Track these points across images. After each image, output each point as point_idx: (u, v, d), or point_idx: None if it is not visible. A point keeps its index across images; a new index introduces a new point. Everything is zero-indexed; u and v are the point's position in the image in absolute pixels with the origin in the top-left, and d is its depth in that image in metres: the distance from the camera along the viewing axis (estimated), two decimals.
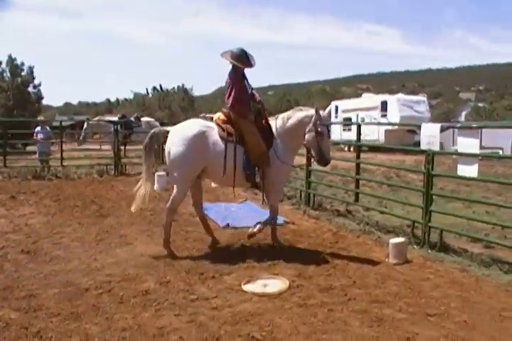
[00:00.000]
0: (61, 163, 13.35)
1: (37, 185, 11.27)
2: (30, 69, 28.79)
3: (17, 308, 4.00)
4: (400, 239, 5.63)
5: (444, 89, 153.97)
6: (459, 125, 6.89)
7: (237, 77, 5.75)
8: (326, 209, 8.48)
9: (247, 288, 4.52)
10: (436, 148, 6.12)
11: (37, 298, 4.25)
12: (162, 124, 16.15)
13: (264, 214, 7.51)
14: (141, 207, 6.10)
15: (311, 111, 5.55)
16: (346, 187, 9.57)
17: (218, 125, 5.72)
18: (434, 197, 8.21)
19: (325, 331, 3.66)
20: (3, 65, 28.24)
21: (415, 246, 6.13)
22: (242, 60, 5.69)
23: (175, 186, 5.80)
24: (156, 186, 10.50)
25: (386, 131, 26.88)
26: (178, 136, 5.62)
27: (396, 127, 25.91)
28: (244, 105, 5.69)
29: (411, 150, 11.84)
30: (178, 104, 48.84)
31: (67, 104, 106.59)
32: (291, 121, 5.67)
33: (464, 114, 52.92)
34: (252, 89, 5.97)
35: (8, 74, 28.34)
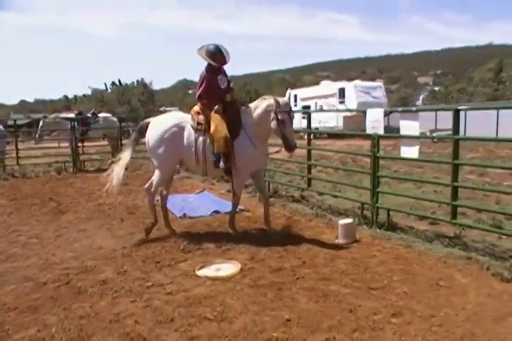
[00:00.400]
0: (17, 161, 13.20)
1: None
2: None
3: None
4: (348, 220, 5.91)
5: (403, 74, 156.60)
6: (400, 109, 7.18)
7: (209, 72, 6.01)
8: (282, 196, 8.72)
9: (201, 272, 4.72)
10: (381, 131, 6.41)
11: None
12: (121, 120, 16.06)
13: (220, 203, 7.77)
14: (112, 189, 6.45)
15: (272, 100, 5.70)
16: (301, 174, 9.82)
17: (192, 116, 6.04)
18: (385, 179, 8.64)
19: (273, 308, 3.89)
20: None
21: (365, 227, 6.42)
22: (216, 57, 5.94)
23: (155, 172, 6.18)
24: (114, 181, 10.57)
25: (345, 118, 27.39)
26: (156, 129, 6.07)
27: (354, 113, 26.42)
28: (211, 97, 5.95)
29: (357, 134, 12.13)
30: (137, 98, 48.29)
31: (23, 102, 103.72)
32: (257, 111, 5.83)
33: (421, 97, 54.16)
34: (229, 82, 6.21)
35: None
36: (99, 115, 14.70)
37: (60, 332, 3.53)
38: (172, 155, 6.01)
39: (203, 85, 6.00)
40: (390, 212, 6.41)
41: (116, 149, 14.09)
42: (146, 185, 6.31)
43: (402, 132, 6.04)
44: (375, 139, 6.40)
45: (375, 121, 6.50)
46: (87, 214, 7.62)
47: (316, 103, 30.82)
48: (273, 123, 5.65)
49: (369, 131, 6.63)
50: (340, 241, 5.76)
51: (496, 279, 4.48)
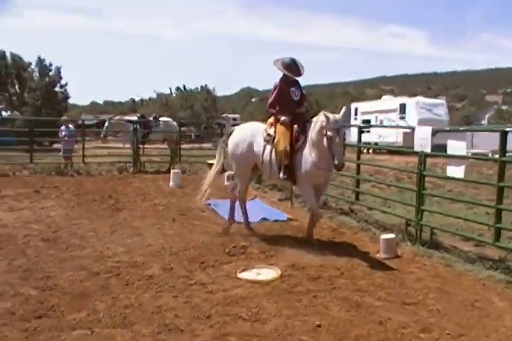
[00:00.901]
0: (83, 160, 13.99)
1: (59, 180, 11.90)
2: (58, 70, 29.81)
3: (35, 287, 4.53)
4: (390, 235, 6.00)
5: (470, 92, 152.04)
6: (448, 128, 7.21)
7: (283, 83, 6.31)
8: (331, 208, 8.85)
9: (242, 275, 4.96)
10: (428, 149, 6.46)
11: (53, 279, 4.77)
12: (181, 124, 16.66)
13: (269, 211, 7.98)
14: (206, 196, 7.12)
15: (323, 116, 5.65)
16: (352, 188, 9.89)
17: (266, 127, 6.42)
18: (436, 198, 8.59)
19: (305, 314, 4.07)
20: (33, 66, 29.28)
21: (408, 243, 6.46)
22: (291, 69, 6.24)
23: (237, 179, 6.83)
24: (171, 183, 11.08)
25: (404, 134, 27.02)
26: (234, 136, 6.67)
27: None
28: (281, 107, 6.24)
29: (405, 152, 12.01)
30: (200, 104, 49.41)
31: (93, 103, 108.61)
32: (315, 126, 5.84)
33: (487, 116, 52.47)
34: (302, 95, 6.43)
35: (38, 75, 29.35)
36: (161, 119, 15.31)
37: (106, 318, 3.86)
38: (245, 161, 6.51)
39: (274, 95, 6.31)
40: (435, 231, 6.44)
41: (175, 152, 14.68)
42: (236, 195, 6.86)
43: (449, 152, 6.08)
44: (422, 157, 6.44)
45: (423, 139, 6.55)
46: (142, 213, 8.05)
47: (376, 117, 30.58)
48: (324, 139, 5.61)
49: (417, 148, 6.68)
50: (381, 255, 5.85)
51: None
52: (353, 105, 33.68)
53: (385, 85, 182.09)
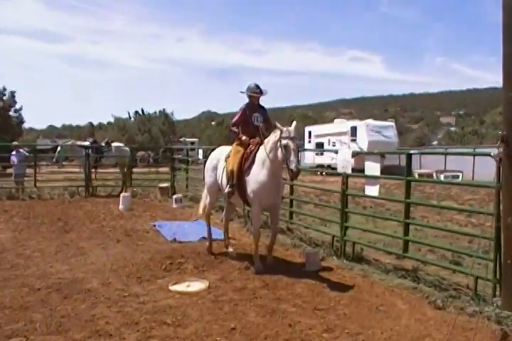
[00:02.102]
0: (35, 184, 14.15)
1: (10, 204, 12.08)
2: (12, 94, 29.79)
3: None
4: (314, 250, 6.58)
5: (426, 114, 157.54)
6: (365, 151, 7.99)
7: (246, 108, 6.89)
8: (269, 227, 9.37)
9: (173, 287, 5.42)
10: (349, 171, 7.13)
11: None
12: (138, 149, 17.01)
13: (214, 232, 8.43)
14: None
15: (277, 130, 6.00)
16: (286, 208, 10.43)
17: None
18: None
19: (224, 319, 4.56)
20: None
21: (334, 257, 7.05)
22: (253, 90, 6.82)
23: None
24: (121, 206, 11.45)
25: (355, 157, 28.10)
26: (208, 160, 7.43)
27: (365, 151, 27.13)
28: (242, 129, 6.78)
29: (331, 173, 12.68)
30: (158, 128, 49.74)
31: (51, 127, 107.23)
32: (269, 143, 6.19)
33: (438, 138, 54.72)
34: (266, 121, 6.91)
35: None
36: (112, 144, 15.67)
37: (42, 326, 4.26)
38: (211, 182, 7.18)
39: (238, 116, 6.87)
40: (363, 246, 7.07)
41: (128, 177, 15.04)
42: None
43: (366, 172, 6.76)
44: (344, 177, 7.10)
45: (344, 161, 7.21)
46: (88, 234, 8.41)
47: (329, 140, 31.64)
48: (279, 151, 5.91)
49: (339, 170, 7.33)
50: (306, 268, 6.40)
51: (431, 307, 5.05)
52: (307, 128, 34.73)
53: (344, 108, 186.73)
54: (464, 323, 4.54)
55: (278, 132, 5.98)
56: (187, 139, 52.40)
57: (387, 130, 29.77)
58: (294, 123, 6.23)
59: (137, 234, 8.49)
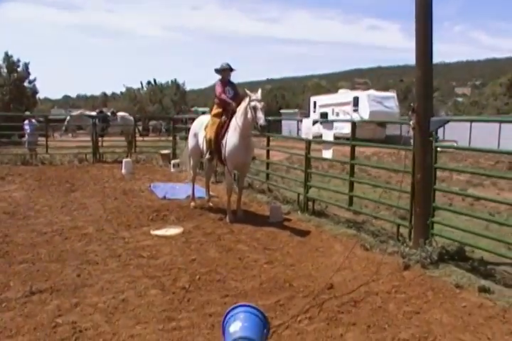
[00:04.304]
0: (46, 150, 15.44)
1: (24, 169, 13.42)
2: (26, 66, 30.88)
3: None
4: (278, 204, 7.72)
5: (441, 85, 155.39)
6: (321, 120, 9.10)
7: (219, 83, 7.92)
8: (254, 188, 10.53)
9: (154, 232, 6.64)
10: (310, 137, 8.16)
11: (9, 237, 6.36)
12: (150, 118, 18.06)
13: (197, 190, 9.60)
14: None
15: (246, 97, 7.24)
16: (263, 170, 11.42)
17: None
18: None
19: (189, 254, 5.77)
20: (0, 62, 30.32)
21: (299, 212, 8.18)
22: (225, 67, 7.91)
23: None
24: (123, 170, 12.67)
25: (358, 125, 28.93)
26: (191, 129, 8.74)
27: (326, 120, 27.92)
28: (216, 103, 7.93)
29: (295, 138, 13.27)
30: (170, 98, 50.56)
31: (66, 97, 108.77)
32: (240, 109, 7.31)
33: (445, 108, 55.01)
34: (236, 94, 7.93)
35: (5, 70, 30.41)
36: (118, 114, 16.82)
37: (45, 257, 5.51)
38: (194, 148, 8.46)
39: (219, 88, 7.88)
40: (327, 203, 8.20)
41: (131, 144, 16.24)
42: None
43: (324, 138, 7.82)
44: (307, 143, 8.15)
45: (306, 129, 8.23)
46: (91, 193, 9.66)
47: (333, 110, 32.42)
48: (249, 113, 7.06)
49: (303, 136, 8.36)
50: (270, 220, 7.57)
51: (361, 249, 6.17)
52: (312, 99, 35.51)
53: (359, 78, 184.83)
54: (381, 259, 5.66)
55: (247, 97, 7.15)
56: (199, 108, 53.24)
57: (389, 100, 30.39)
58: (260, 90, 7.34)
59: (133, 193, 9.72)
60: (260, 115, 6.92)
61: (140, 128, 33.43)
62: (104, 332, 3.73)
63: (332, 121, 8.04)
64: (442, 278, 5.10)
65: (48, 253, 5.64)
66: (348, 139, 25.01)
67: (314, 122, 8.17)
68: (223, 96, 7.83)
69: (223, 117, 7.70)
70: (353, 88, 51.41)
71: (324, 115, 32.88)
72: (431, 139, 5.58)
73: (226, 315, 3.38)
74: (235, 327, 3.24)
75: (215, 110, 7.88)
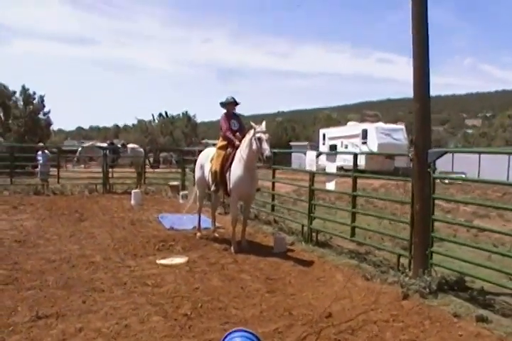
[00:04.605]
0: (58, 181, 15.77)
1: (36, 199, 13.72)
2: (41, 98, 31.76)
3: (5, 269, 6.30)
4: (282, 235, 7.86)
5: (452, 116, 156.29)
6: (326, 151, 9.32)
7: (224, 116, 8.23)
8: (260, 220, 10.68)
9: (159, 261, 6.78)
10: (314, 169, 8.35)
11: (19, 264, 6.54)
12: (161, 150, 18.46)
13: (203, 220, 9.77)
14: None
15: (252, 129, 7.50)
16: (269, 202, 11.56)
17: None
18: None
19: (192, 283, 5.90)
20: (17, 95, 31.23)
21: (303, 243, 8.30)
22: (229, 101, 8.24)
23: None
24: (132, 201, 12.89)
25: (367, 157, 29.16)
26: (197, 161, 9.05)
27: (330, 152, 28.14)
28: (231, 134, 8.09)
29: (299, 170, 13.36)
30: (181, 130, 51.37)
31: (79, 129, 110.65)
32: (245, 141, 7.54)
33: (454, 140, 55.18)
34: (240, 126, 8.25)
35: (22, 103, 31.29)
36: (128, 146, 17.20)
37: (53, 284, 5.67)
38: (200, 180, 8.71)
39: (224, 124, 8.18)
40: (328, 233, 8.32)
41: (140, 175, 16.54)
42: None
43: (327, 170, 8.01)
44: (311, 174, 8.34)
45: (311, 161, 8.43)
46: (99, 223, 9.86)
47: (342, 142, 32.76)
48: (254, 144, 7.27)
49: (307, 168, 8.55)
50: (275, 250, 7.69)
51: (362, 279, 6.25)
52: (321, 131, 35.92)
53: (369, 110, 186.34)
54: (380, 289, 5.76)
55: (252, 129, 7.38)
56: (209, 141, 53.90)
57: (397, 133, 30.67)
58: (264, 122, 7.58)
59: (141, 224, 9.91)
60: (265, 146, 7.14)
61: (151, 160, 34.01)
62: None
63: (335, 154, 8.24)
64: (440, 307, 5.17)
65: (55, 280, 5.80)
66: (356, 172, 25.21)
67: (318, 154, 8.37)
68: (228, 133, 8.07)
69: (228, 149, 7.93)
70: (362, 120, 51.94)
71: (333, 147, 33.19)
72: (429, 170, 5.74)
73: (224, 339, 3.51)
74: None
75: (221, 143, 8.14)
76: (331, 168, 7.91)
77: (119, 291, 5.50)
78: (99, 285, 5.67)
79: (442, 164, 28.80)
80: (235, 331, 3.55)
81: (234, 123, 8.19)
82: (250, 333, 3.54)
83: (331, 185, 7.89)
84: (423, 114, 5.83)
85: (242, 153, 7.56)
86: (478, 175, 26.44)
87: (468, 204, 13.20)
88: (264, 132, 7.30)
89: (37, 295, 5.29)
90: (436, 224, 9.35)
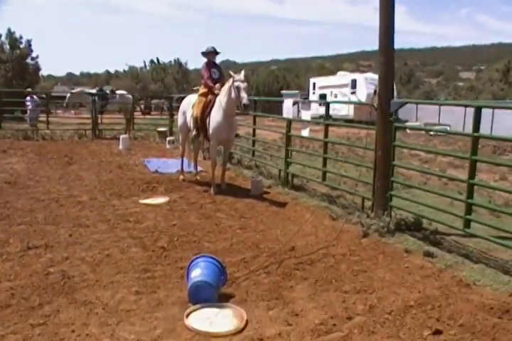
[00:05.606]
0: (47, 126, 16.05)
1: (25, 143, 14.07)
2: (28, 43, 31.24)
3: None
4: (258, 178, 8.34)
5: (446, 68, 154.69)
6: (301, 100, 9.69)
7: (205, 65, 8.53)
8: (242, 165, 11.11)
9: (142, 201, 7.27)
10: (291, 116, 8.69)
11: (10, 203, 6.99)
12: (152, 97, 18.60)
13: (187, 164, 10.17)
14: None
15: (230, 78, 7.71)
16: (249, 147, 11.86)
17: None
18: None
19: (171, 220, 6.40)
20: (3, 38, 30.75)
21: (280, 186, 8.78)
22: (210, 50, 8.52)
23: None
24: (120, 146, 13.27)
25: (355, 107, 29.39)
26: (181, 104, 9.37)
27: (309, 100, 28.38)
28: (203, 83, 8.48)
29: (274, 117, 13.49)
30: (172, 76, 50.90)
31: (70, 74, 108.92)
32: (225, 89, 7.83)
33: (444, 92, 55.24)
34: (220, 75, 8.54)
35: (8, 47, 30.84)
36: (117, 92, 17.36)
37: (42, 220, 6.16)
38: (183, 126, 9.06)
39: (205, 72, 8.45)
40: (302, 178, 8.80)
41: (129, 121, 16.82)
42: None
43: (302, 118, 8.38)
44: (288, 122, 8.70)
45: (287, 108, 8.75)
46: (88, 166, 10.29)
47: (331, 92, 32.84)
48: (233, 92, 7.58)
49: (285, 115, 8.88)
50: (252, 193, 8.17)
51: (329, 219, 6.77)
52: (312, 80, 35.88)
53: (364, 60, 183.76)
54: (345, 228, 6.27)
55: (231, 79, 7.68)
56: (200, 88, 53.43)
57: None
58: (243, 71, 7.88)
59: (128, 167, 10.34)
60: (243, 95, 7.48)
61: (142, 106, 34.00)
62: (89, 279, 4.37)
63: (309, 102, 8.57)
64: (395, 245, 5.70)
65: (44, 217, 6.28)
66: (346, 121, 25.65)
67: (294, 103, 8.69)
68: (208, 81, 8.35)
69: (209, 96, 8.24)
70: (357, 70, 51.54)
71: (323, 96, 33.29)
72: (391, 119, 6.13)
73: (190, 264, 4.02)
74: (196, 273, 3.88)
75: (202, 90, 8.44)
76: (306, 115, 8.25)
77: (103, 227, 6.00)
78: (84, 222, 6.16)
79: (429, 116, 29.21)
80: (199, 257, 4.05)
81: (214, 71, 8.46)
82: (213, 258, 4.04)
83: (305, 132, 8.27)
84: (387, 67, 6.15)
85: (221, 100, 7.88)
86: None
87: (437, 154, 13.53)
88: (242, 81, 7.61)
89: (27, 229, 5.78)
90: (411, 172, 9.97)
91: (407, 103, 6.17)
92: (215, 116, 7.96)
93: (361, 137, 20.59)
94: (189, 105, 8.72)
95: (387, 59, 6.15)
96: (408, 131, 24.00)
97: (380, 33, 6.14)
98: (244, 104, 7.49)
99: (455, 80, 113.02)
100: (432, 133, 22.74)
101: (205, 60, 8.52)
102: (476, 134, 5.30)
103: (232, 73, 7.70)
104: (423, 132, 23.76)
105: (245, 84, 7.63)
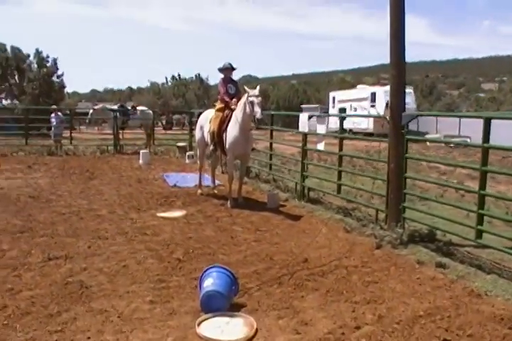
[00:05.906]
0: (70, 142, 16.48)
1: (49, 159, 14.50)
2: (54, 61, 32.28)
3: (21, 220, 7.00)
4: (274, 192, 8.45)
5: (468, 80, 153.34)
6: (317, 113, 9.78)
7: (222, 81, 8.75)
8: (260, 178, 11.25)
9: (160, 214, 7.44)
10: (306, 130, 8.81)
11: (33, 216, 7.23)
12: (174, 112, 18.98)
13: (205, 179, 10.36)
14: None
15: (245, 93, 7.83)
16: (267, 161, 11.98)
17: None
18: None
19: (187, 232, 6.54)
20: (31, 58, 31.79)
21: (296, 199, 8.88)
22: (227, 66, 8.73)
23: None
24: (140, 161, 13.54)
25: (375, 121, 29.36)
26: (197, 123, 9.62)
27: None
28: (220, 99, 8.73)
29: (290, 131, 13.69)
30: (194, 92, 51.59)
31: (93, 91, 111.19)
32: (240, 104, 8.04)
33: (466, 104, 54.80)
34: (237, 91, 8.73)
35: (36, 66, 31.87)
36: (138, 108, 17.75)
37: (62, 233, 6.36)
38: (200, 141, 9.30)
39: (221, 88, 8.71)
40: (318, 191, 8.89)
41: (150, 137, 17.15)
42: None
43: (318, 131, 8.49)
44: (303, 135, 8.82)
45: (303, 123, 8.88)
46: (108, 181, 10.54)
47: (351, 105, 32.85)
48: (247, 107, 7.74)
49: (300, 129, 9.00)
50: (268, 206, 8.28)
51: (343, 231, 6.84)
52: (331, 94, 36.00)
53: (384, 73, 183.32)
54: (358, 240, 6.34)
55: (246, 94, 7.85)
56: None
57: (406, 96, 30.59)
58: (258, 86, 8.05)
59: (147, 181, 10.56)
60: (257, 109, 7.63)
61: (163, 121, 34.53)
62: (105, 288, 4.52)
63: (325, 116, 8.69)
64: (408, 256, 5.75)
65: (64, 230, 6.49)
66: (366, 134, 25.62)
67: (310, 117, 8.82)
68: (225, 97, 8.57)
69: (226, 111, 8.43)
70: (378, 83, 51.50)
71: (343, 110, 32.92)
72: (402, 132, 6.21)
73: (202, 274, 4.14)
74: (208, 282, 4.00)
75: (219, 105, 8.64)
76: (321, 129, 8.37)
77: (121, 239, 6.17)
78: (103, 234, 6.34)
79: (449, 128, 28.97)
80: (212, 267, 4.18)
81: (231, 87, 8.66)
82: (225, 269, 4.15)
83: (320, 146, 8.38)
84: (398, 80, 6.26)
85: (237, 115, 8.06)
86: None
87: (455, 167, 13.46)
88: (256, 96, 7.77)
89: (48, 241, 5.98)
90: (428, 185, 9.95)
91: (418, 115, 6.24)
92: (232, 131, 8.13)
93: (380, 150, 20.64)
94: (206, 120, 8.92)
95: (398, 72, 6.26)
96: (428, 143, 23.94)
97: (390, 46, 6.25)
98: (257, 119, 7.63)
99: (477, 92, 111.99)
100: (452, 145, 22.59)
101: (221, 75, 8.73)
102: (486, 145, 5.33)
103: (247, 88, 7.88)
104: (443, 144, 23.65)
105: (259, 99, 7.78)
